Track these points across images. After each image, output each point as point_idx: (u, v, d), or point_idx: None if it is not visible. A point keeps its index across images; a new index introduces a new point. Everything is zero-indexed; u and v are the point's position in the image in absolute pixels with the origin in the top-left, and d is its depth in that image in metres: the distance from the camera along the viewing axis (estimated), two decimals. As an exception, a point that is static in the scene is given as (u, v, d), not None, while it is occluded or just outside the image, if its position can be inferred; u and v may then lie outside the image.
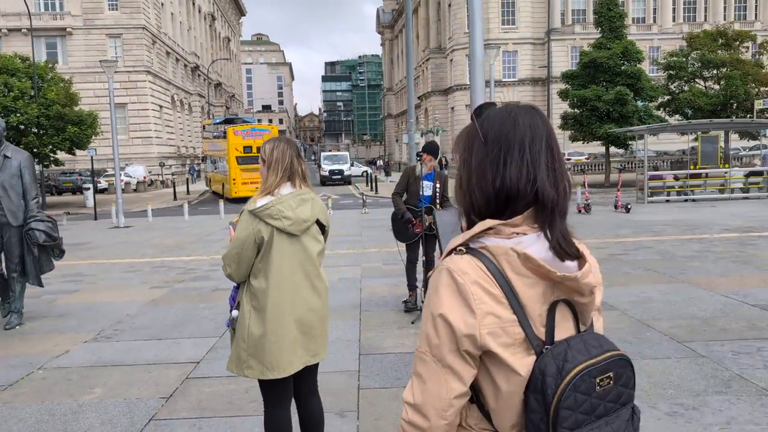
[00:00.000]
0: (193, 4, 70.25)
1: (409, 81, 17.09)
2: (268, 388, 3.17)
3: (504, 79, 61.02)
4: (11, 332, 7.00)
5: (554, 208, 1.32)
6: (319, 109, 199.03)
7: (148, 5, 51.76)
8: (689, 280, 8.70)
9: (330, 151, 55.64)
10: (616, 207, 19.69)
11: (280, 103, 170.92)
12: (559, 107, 40.58)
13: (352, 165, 44.31)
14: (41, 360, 5.96)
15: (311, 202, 3.19)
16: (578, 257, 1.36)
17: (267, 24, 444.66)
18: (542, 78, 60.20)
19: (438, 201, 7.41)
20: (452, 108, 65.60)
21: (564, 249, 1.33)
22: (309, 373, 3.32)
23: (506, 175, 1.32)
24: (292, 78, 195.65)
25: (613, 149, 35.82)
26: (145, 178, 45.25)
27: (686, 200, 22.28)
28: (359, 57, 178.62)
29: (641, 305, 7.35)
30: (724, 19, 58.26)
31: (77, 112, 30.13)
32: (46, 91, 28.79)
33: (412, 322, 6.84)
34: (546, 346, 1.28)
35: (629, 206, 19.26)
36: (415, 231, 7.32)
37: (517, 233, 1.32)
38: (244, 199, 27.77)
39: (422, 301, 7.53)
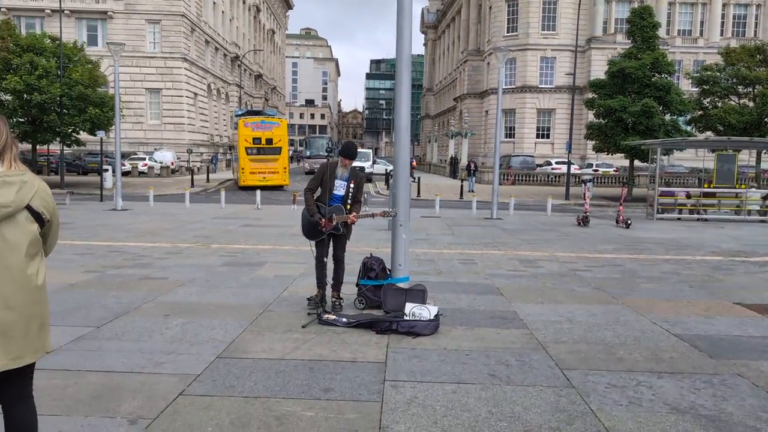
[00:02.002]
0: (238, -6, 71.00)
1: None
2: (-46, 390, 2.93)
3: (540, 86, 60.01)
4: None
5: None
6: (363, 106, 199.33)
7: (188, -7, 52.46)
8: (629, 302, 8.19)
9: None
10: (617, 222, 19.00)
11: (324, 98, 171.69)
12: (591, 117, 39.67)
13: (374, 163, 44.09)
14: None
15: (19, 186, 2.90)
16: None
17: (315, 19, 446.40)
18: (579, 86, 58.99)
19: (349, 201, 7.15)
20: (486, 111, 64.86)
21: None
22: (12, 378, 3.03)
23: None
24: (338, 74, 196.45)
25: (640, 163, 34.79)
26: (172, 163, 45.90)
27: (698, 219, 21.38)
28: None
29: (556, 326, 6.92)
30: (774, 35, 56.10)
31: (100, 93, 30.62)
32: (71, 71, 29.33)
33: (303, 326, 6.56)
34: None
35: (629, 222, 18.56)
36: (322, 230, 7.06)
37: None
38: (252, 188, 27.99)
39: (334, 298, 7.31)
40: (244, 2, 73.93)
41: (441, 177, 55.80)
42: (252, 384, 4.92)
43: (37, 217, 2.99)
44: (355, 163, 37.03)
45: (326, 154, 51.59)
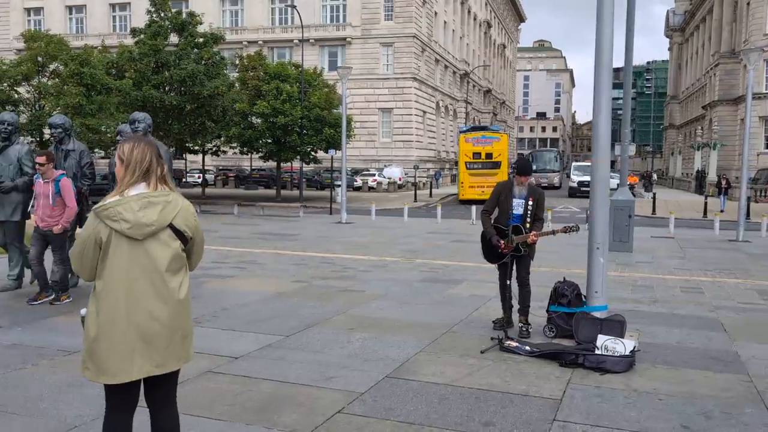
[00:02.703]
0: (469, 12, 72.29)
1: (627, 82, 15.44)
2: (107, 392, 3.15)
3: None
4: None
5: None
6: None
7: (420, 15, 54.63)
8: None
9: (583, 161, 52.99)
10: None
11: (557, 110, 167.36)
12: None
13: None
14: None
15: (163, 206, 3.07)
16: None
17: (548, 30, 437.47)
18: None
19: (529, 220, 6.73)
20: (741, 120, 57.81)
21: None
22: (158, 383, 3.21)
23: None
24: (573, 85, 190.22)
25: None
26: (400, 179, 47.92)
27: None
28: (647, 63, 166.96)
29: (788, 375, 5.73)
30: None
31: (335, 115, 33.04)
32: (310, 95, 32.12)
33: (482, 351, 6.23)
34: None
35: None
36: (502, 253, 6.71)
37: None
38: (471, 202, 28.07)
39: (521, 324, 6.90)
40: (474, 19, 75.02)
41: (684, 192, 51.01)
42: (411, 408, 4.75)
43: (179, 235, 3.15)
44: (582, 178, 35.35)
45: (553, 168, 49.96)
